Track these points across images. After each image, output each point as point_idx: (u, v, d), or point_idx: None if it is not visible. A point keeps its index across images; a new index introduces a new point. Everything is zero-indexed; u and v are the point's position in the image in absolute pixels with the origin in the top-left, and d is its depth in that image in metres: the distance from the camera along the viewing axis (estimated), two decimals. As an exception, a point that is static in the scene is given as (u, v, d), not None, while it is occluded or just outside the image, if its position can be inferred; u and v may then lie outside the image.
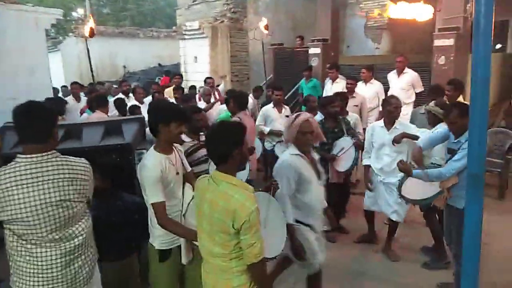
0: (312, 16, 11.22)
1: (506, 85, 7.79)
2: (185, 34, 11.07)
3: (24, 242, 1.97)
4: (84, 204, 2.13)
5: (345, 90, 6.41)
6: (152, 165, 2.39)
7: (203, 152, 3.30)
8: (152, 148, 2.53)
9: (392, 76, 6.61)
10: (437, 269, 3.83)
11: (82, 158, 2.15)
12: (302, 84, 8.45)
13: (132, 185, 3.28)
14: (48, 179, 1.96)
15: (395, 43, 13.45)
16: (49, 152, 2.00)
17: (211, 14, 11.34)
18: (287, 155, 2.97)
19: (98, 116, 5.08)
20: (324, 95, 7.34)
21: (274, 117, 5.84)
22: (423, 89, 6.37)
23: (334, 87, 7.24)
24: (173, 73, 10.14)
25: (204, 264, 2.17)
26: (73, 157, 2.11)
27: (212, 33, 10.51)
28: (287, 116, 5.51)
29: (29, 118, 1.99)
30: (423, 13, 5.85)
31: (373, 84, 6.66)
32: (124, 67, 18.61)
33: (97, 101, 5.38)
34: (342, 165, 4.39)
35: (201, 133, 3.55)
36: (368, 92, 6.49)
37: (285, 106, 6.10)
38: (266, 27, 8.37)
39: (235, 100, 4.69)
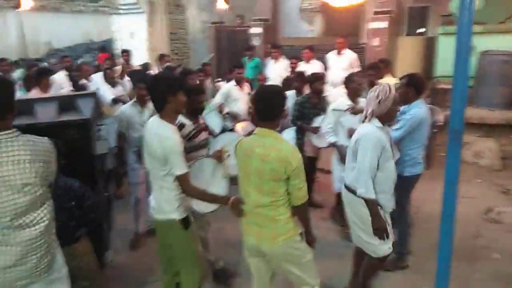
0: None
1: (428, 66, 8.57)
2: (120, 9, 10.56)
3: None
4: (47, 188, 1.97)
5: (289, 69, 6.72)
6: (175, 136, 2.42)
7: (202, 136, 3.26)
8: (158, 119, 2.50)
9: (331, 56, 6.96)
10: None
11: (45, 137, 1.99)
12: (245, 62, 8.58)
13: (91, 163, 3.19)
14: (8, 161, 1.79)
15: (329, 26, 13.98)
16: (8, 131, 1.83)
17: None
18: (372, 128, 2.76)
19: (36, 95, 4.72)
20: (266, 73, 7.56)
21: (237, 96, 5.64)
22: (360, 69, 6.82)
23: (276, 66, 7.50)
24: (107, 50, 9.70)
25: (249, 217, 2.43)
26: (35, 136, 1.94)
27: (150, 9, 10.15)
28: (249, 94, 5.54)
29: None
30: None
31: (314, 63, 7.01)
32: (49, 43, 17.25)
33: (37, 77, 5.00)
34: (321, 141, 4.46)
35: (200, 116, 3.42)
36: (310, 70, 6.80)
37: (247, 84, 6.00)
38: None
39: None
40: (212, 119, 4.83)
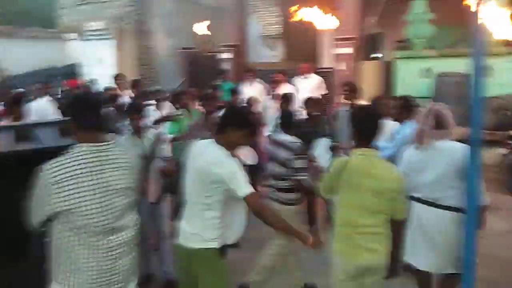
0: (213, 22, 11.66)
1: (388, 88, 9.22)
2: (88, 35, 10.53)
3: (84, 234, 1.90)
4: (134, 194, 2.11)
5: (263, 93, 7.05)
6: (230, 158, 2.39)
7: None
8: (213, 143, 2.44)
9: (298, 80, 7.33)
10: None
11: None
12: (224, 86, 8.84)
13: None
14: (113, 167, 1.96)
15: (290, 51, 14.66)
16: (110, 141, 2.01)
17: (103, 15, 10.93)
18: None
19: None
20: (241, 97, 7.84)
21: None
22: (327, 92, 7.23)
23: (251, 88, 7.80)
24: (75, 75, 9.57)
25: (346, 240, 2.54)
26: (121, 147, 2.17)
27: (119, 35, 10.21)
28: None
29: (92, 107, 2.00)
30: (327, 23, 6.68)
31: (286, 86, 7.38)
32: (4, 69, 16.62)
33: (12, 106, 4.72)
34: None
35: None
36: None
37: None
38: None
39: None
40: None
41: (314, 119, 4.96)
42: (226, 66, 9.42)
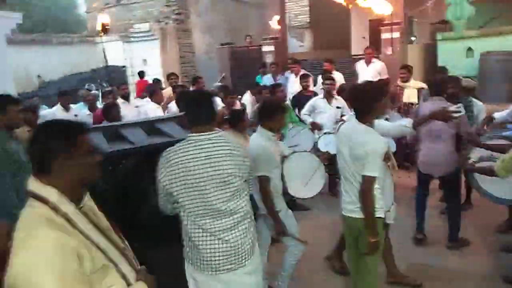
0: (244, 18, 11.95)
1: (432, 69, 9.42)
2: (131, 37, 10.89)
3: (193, 216, 2.11)
4: (244, 180, 2.23)
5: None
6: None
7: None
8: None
9: (361, 65, 7.60)
10: None
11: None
12: (258, 79, 9.11)
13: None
14: (223, 153, 2.12)
15: (317, 41, 14.87)
16: (217, 131, 2.21)
17: (129, 17, 11.24)
18: None
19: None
20: (289, 88, 8.13)
21: (323, 109, 5.56)
22: (388, 76, 7.49)
23: (298, 79, 8.08)
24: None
25: None
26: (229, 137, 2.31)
27: (162, 35, 10.56)
28: (338, 108, 5.52)
29: (201, 102, 2.25)
30: (384, 9, 6.92)
31: (335, 74, 7.65)
32: (39, 76, 17.13)
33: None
34: None
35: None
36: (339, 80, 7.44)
37: (337, 97, 5.74)
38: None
39: None
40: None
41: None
42: (268, 59, 9.69)
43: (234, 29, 12.61)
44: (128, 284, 1.51)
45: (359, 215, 2.68)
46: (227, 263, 2.13)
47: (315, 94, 6.22)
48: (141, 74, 9.87)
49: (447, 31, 8.86)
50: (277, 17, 9.75)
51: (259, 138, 3.11)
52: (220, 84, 7.53)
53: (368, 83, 3.17)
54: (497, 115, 4.12)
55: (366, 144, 2.59)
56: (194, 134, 2.17)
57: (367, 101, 2.67)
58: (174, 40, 10.77)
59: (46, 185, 1.41)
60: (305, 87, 6.42)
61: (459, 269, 3.69)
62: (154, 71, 10.58)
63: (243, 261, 2.17)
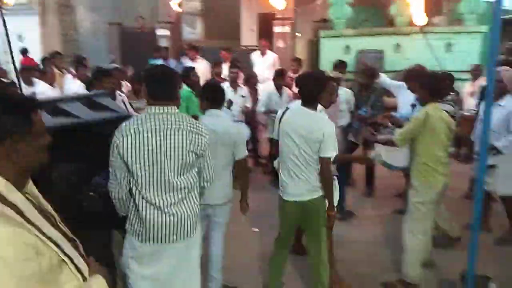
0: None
1: (315, 63, 10.29)
2: (6, 9, 9.49)
3: (144, 190, 2.16)
4: (197, 156, 2.28)
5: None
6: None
7: None
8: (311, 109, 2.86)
9: (256, 56, 7.94)
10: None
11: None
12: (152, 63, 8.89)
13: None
14: (181, 128, 2.18)
15: (209, 29, 14.99)
16: (174, 107, 2.23)
17: None
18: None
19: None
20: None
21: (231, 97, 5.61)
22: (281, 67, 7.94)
23: (196, 66, 8.12)
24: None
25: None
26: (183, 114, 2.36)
27: (41, 9, 9.48)
28: (243, 96, 5.73)
29: (164, 79, 2.24)
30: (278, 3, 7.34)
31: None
32: None
33: None
34: None
35: None
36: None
37: (242, 85, 6.05)
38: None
39: None
40: None
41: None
42: (162, 43, 9.49)
43: (123, 9, 11.95)
44: (84, 278, 1.38)
45: (319, 194, 2.87)
46: (172, 234, 2.20)
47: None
48: (24, 51, 8.78)
49: (328, 29, 9.78)
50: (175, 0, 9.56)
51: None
52: (113, 65, 7.16)
53: (317, 72, 3.37)
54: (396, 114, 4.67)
55: (323, 128, 2.75)
56: (154, 107, 2.18)
57: (316, 89, 2.81)
58: (56, 15, 9.79)
59: None
60: (218, 74, 6.52)
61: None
62: (32, 49, 9.47)
63: (188, 233, 2.26)
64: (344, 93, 4.88)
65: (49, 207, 1.44)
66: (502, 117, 3.83)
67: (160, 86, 2.22)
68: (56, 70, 7.35)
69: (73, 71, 7.10)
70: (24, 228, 1.20)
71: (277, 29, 8.42)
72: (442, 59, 7.80)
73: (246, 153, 3.21)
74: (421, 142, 3.16)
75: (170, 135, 2.16)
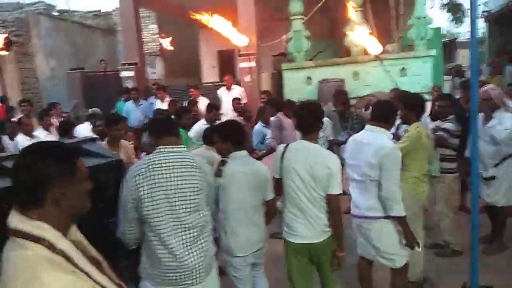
0: (90, 42, 11.37)
1: (280, 95, 10.62)
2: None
3: (158, 230, 2.13)
4: (205, 195, 2.30)
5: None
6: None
7: None
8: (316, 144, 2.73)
9: (222, 91, 8.12)
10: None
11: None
12: (121, 105, 8.83)
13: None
14: (190, 165, 2.23)
15: (169, 68, 15.20)
16: (183, 146, 2.34)
17: None
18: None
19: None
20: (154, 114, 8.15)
21: None
22: (247, 101, 8.17)
23: (164, 105, 8.18)
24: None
25: None
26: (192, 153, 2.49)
27: (-1, 58, 9.25)
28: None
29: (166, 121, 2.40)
30: (240, 41, 7.65)
31: (202, 99, 8.03)
32: None
33: None
34: None
35: None
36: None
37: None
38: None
39: None
40: None
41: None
42: (128, 84, 9.47)
43: (81, 54, 11.92)
44: None
45: (327, 234, 2.68)
46: (187, 279, 2.16)
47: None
48: (3, 99, 8.50)
49: (287, 62, 10.19)
50: (134, 43, 9.65)
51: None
52: (92, 110, 7.12)
53: (313, 102, 3.19)
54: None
55: (330, 163, 2.59)
56: (164, 147, 2.23)
57: (316, 119, 2.71)
58: (14, 64, 9.56)
59: (35, 220, 1.22)
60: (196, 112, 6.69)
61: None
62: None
63: (203, 276, 2.22)
64: None
65: (93, 252, 1.43)
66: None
67: (168, 123, 2.40)
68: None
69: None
70: (77, 275, 1.22)
71: (241, 64, 8.68)
72: (398, 82, 8.38)
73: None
74: (413, 158, 3.30)
75: (181, 172, 2.19)
